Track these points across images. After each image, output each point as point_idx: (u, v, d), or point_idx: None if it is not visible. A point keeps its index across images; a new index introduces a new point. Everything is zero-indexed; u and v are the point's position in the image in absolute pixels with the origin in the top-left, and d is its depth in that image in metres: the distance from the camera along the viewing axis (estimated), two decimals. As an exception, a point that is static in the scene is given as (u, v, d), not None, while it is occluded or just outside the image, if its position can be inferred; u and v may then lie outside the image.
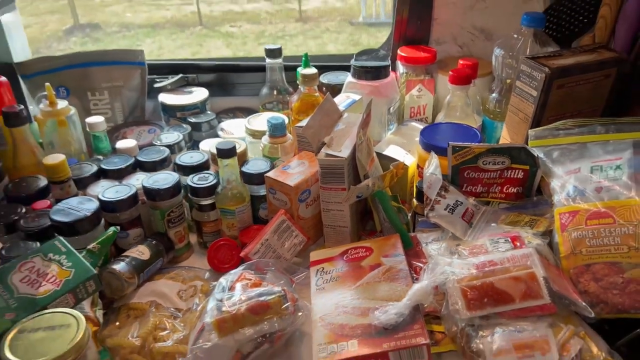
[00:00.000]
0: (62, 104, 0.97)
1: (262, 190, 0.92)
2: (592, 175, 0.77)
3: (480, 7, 1.11)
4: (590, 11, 0.99)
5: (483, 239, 0.78)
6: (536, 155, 0.83)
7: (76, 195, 0.85)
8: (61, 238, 0.71)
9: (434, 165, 0.85)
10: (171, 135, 1.02)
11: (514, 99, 0.92)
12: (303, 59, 1.09)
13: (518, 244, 0.75)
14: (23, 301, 0.63)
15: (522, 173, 0.85)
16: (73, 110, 0.98)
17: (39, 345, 0.57)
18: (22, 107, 0.88)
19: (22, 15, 1.05)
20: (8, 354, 0.56)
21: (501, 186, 0.86)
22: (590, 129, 0.82)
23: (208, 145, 1.02)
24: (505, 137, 0.96)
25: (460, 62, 1.03)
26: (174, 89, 1.17)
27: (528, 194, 0.86)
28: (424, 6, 1.12)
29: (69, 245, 0.70)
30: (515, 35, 0.98)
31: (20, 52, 1.09)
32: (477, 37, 1.14)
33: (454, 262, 0.74)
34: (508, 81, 1.00)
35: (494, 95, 1.03)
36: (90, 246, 0.74)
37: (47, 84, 0.95)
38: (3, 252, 0.72)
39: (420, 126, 1.06)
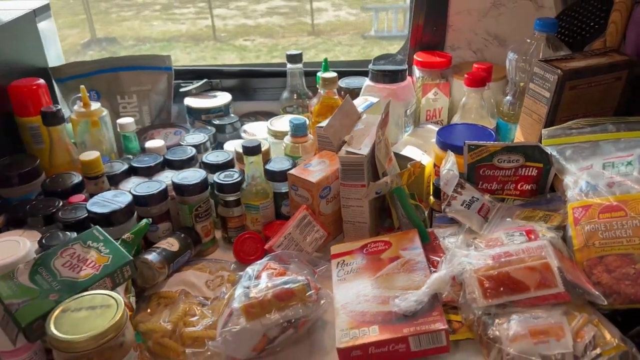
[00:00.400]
0: (94, 105, 1.02)
1: (284, 188, 0.96)
2: (604, 172, 0.80)
3: (494, 14, 1.15)
4: (601, 17, 1.02)
5: (498, 233, 0.81)
6: (549, 153, 0.86)
7: (109, 190, 0.89)
8: (98, 227, 0.76)
9: (450, 162, 0.88)
10: (197, 136, 1.07)
11: (528, 101, 0.95)
12: (323, 63, 1.14)
13: (532, 236, 0.78)
14: (65, 284, 0.67)
15: (536, 171, 0.88)
16: (105, 112, 1.03)
17: (81, 323, 0.61)
18: (59, 107, 0.93)
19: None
20: (53, 330, 0.60)
21: (516, 183, 0.89)
22: (602, 128, 0.85)
23: (232, 146, 1.06)
24: (519, 137, 0.99)
25: (475, 66, 1.07)
26: (198, 93, 1.23)
27: (542, 191, 0.89)
28: (439, 14, 1.16)
29: (106, 234, 0.75)
30: (529, 40, 1.01)
31: (55, 57, 1.15)
32: (490, 43, 1.18)
33: (470, 253, 0.77)
34: (521, 84, 1.04)
35: (507, 98, 1.07)
36: (124, 236, 0.79)
37: (82, 86, 1.00)
38: (44, 241, 0.77)
39: (436, 128, 1.10)
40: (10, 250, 0.72)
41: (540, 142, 0.88)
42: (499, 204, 0.88)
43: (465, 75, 1.03)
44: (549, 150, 0.86)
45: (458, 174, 0.86)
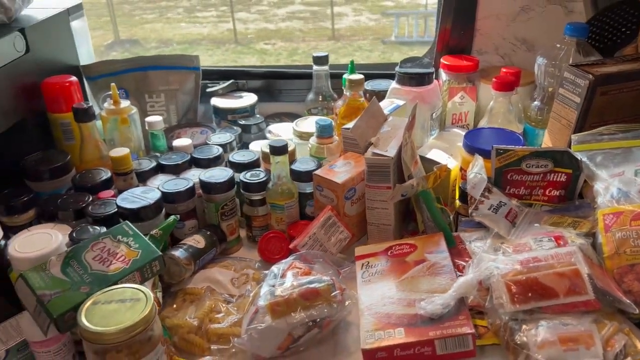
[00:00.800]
0: (124, 103, 1.04)
1: (308, 188, 0.97)
2: (637, 178, 0.79)
3: (523, 19, 1.14)
4: (633, 22, 1.01)
5: (526, 238, 0.81)
6: (579, 159, 0.85)
7: (137, 186, 0.90)
8: (128, 222, 0.77)
9: (478, 166, 0.88)
10: (223, 136, 1.08)
11: (557, 106, 0.94)
12: (349, 65, 1.14)
13: (562, 242, 0.77)
14: (96, 277, 0.68)
15: (565, 176, 0.87)
16: (134, 110, 1.05)
17: (111, 315, 0.62)
18: (90, 104, 0.95)
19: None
20: (85, 321, 0.61)
21: (544, 189, 0.88)
22: (635, 134, 0.84)
23: (258, 146, 1.07)
24: (547, 142, 0.98)
25: (504, 70, 1.06)
26: (225, 93, 1.24)
27: (570, 197, 0.88)
28: (467, 18, 1.16)
29: (135, 229, 0.76)
30: (558, 45, 1.00)
31: (86, 55, 1.17)
32: (518, 47, 1.17)
33: (498, 258, 0.77)
34: (550, 89, 1.03)
35: (535, 103, 1.06)
36: (152, 232, 0.80)
37: (113, 84, 1.02)
38: (74, 234, 0.78)
39: (462, 132, 1.09)
40: (42, 242, 0.73)
41: (570, 148, 0.87)
42: (527, 209, 0.87)
43: (494, 79, 1.02)
44: (578, 156, 0.85)
45: (486, 177, 0.85)
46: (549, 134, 0.97)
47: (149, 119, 1.04)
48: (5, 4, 0.93)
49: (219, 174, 0.92)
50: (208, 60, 6.92)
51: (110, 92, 1.02)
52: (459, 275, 0.78)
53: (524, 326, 0.70)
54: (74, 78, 1.01)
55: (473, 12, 1.15)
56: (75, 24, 1.12)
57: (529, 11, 1.13)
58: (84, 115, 0.94)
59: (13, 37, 0.91)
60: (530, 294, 0.72)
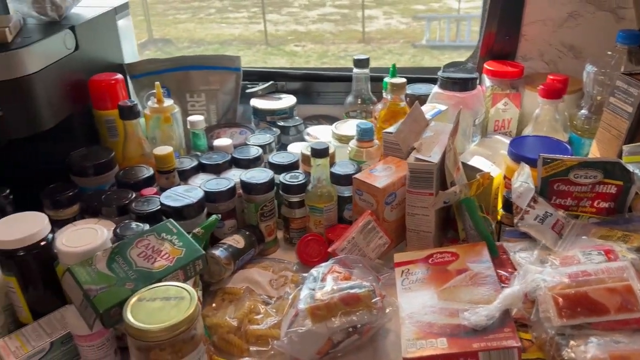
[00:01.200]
0: (167, 102, 1.05)
1: (347, 192, 0.96)
2: (693, 193, 0.76)
3: (571, 25, 1.11)
4: (689, 31, 0.98)
5: (574, 251, 0.78)
6: (632, 170, 0.82)
7: (179, 185, 0.91)
8: (172, 220, 0.77)
9: (525, 175, 0.86)
10: (263, 137, 1.08)
11: (607, 115, 0.91)
12: (391, 69, 1.13)
13: (612, 257, 0.75)
14: (141, 273, 0.69)
15: (615, 188, 0.84)
16: (177, 109, 1.06)
17: (156, 312, 0.62)
18: (135, 102, 0.96)
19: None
20: (130, 318, 0.62)
21: (592, 200, 0.85)
22: (691, 147, 0.81)
23: (297, 148, 1.07)
24: (594, 152, 0.96)
25: (550, 77, 1.04)
26: (264, 94, 1.24)
27: (620, 210, 0.85)
28: (513, 23, 1.13)
29: (179, 227, 0.76)
30: (609, 52, 0.97)
31: (130, 53, 1.19)
32: (565, 54, 1.14)
33: (545, 270, 0.74)
34: (598, 98, 1.00)
35: (582, 111, 1.03)
36: (195, 230, 0.80)
37: (157, 83, 1.03)
38: (118, 230, 0.79)
39: (505, 139, 1.07)
40: (88, 237, 0.74)
41: (621, 159, 0.84)
42: (574, 221, 0.85)
43: (540, 86, 1.00)
44: (631, 167, 0.82)
45: (533, 187, 0.83)
46: (598, 143, 0.94)
47: (191, 118, 1.05)
48: (57, 2, 0.95)
49: (259, 174, 0.92)
50: (239, 60, 6.98)
51: (154, 91, 1.03)
52: (503, 287, 0.76)
53: (571, 342, 0.68)
54: (119, 76, 1.03)
55: (519, 17, 1.13)
56: (120, 23, 1.14)
57: (578, 17, 1.10)
58: (130, 113, 0.96)
59: (64, 34, 0.93)
60: (579, 309, 0.69)
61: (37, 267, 0.74)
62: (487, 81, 1.13)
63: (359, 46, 7.94)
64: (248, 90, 1.24)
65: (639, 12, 1.03)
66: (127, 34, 1.17)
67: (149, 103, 1.05)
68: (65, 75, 0.95)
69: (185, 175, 0.95)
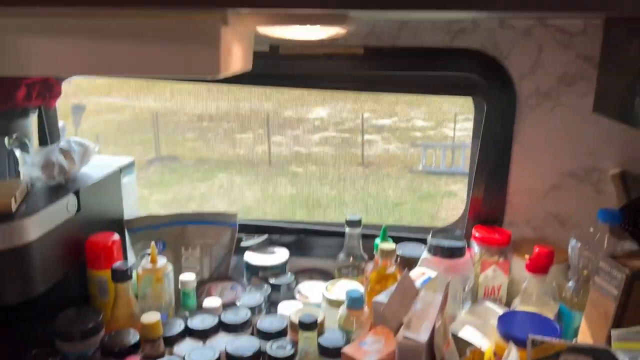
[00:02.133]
0: (161, 261, 1.06)
1: (336, 363, 0.94)
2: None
3: (555, 195, 1.16)
4: (666, 211, 1.02)
5: None
6: None
7: (164, 353, 0.90)
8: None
9: (514, 357, 0.84)
10: (253, 297, 1.08)
11: (594, 294, 0.92)
12: (381, 232, 1.17)
13: None
14: None
15: (608, 376, 0.82)
16: (170, 268, 1.07)
17: None
18: (129, 266, 0.98)
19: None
20: None
21: (585, 387, 0.83)
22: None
23: (286, 309, 1.07)
24: (584, 330, 0.95)
25: (536, 249, 1.06)
26: (258, 248, 1.27)
27: (615, 399, 0.82)
28: (499, 190, 1.19)
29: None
30: (592, 229, 1.01)
31: (130, 207, 1.23)
32: (550, 222, 1.18)
33: None
34: (585, 272, 1.02)
35: (570, 284, 1.04)
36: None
37: (153, 243, 1.06)
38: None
39: (495, 307, 1.07)
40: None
41: (610, 345, 0.83)
42: (567, 410, 0.82)
43: (527, 258, 1.02)
44: (620, 356, 0.81)
45: (522, 373, 0.81)
46: (587, 322, 0.94)
47: (182, 277, 1.06)
48: (65, 168, 1.00)
49: (245, 344, 0.91)
50: (241, 179, 7.20)
51: (149, 251, 1.05)
52: None
53: None
54: (116, 236, 1.05)
55: (505, 185, 1.19)
56: (125, 180, 1.19)
57: (561, 189, 1.16)
58: (123, 276, 0.97)
59: (67, 199, 0.97)
60: None
61: None
62: (475, 247, 1.16)
63: (359, 169, 8.19)
64: (243, 244, 1.27)
65: (619, 191, 1.09)
66: (130, 190, 1.22)
67: (143, 262, 1.07)
68: (63, 237, 0.97)
69: (171, 341, 0.94)
